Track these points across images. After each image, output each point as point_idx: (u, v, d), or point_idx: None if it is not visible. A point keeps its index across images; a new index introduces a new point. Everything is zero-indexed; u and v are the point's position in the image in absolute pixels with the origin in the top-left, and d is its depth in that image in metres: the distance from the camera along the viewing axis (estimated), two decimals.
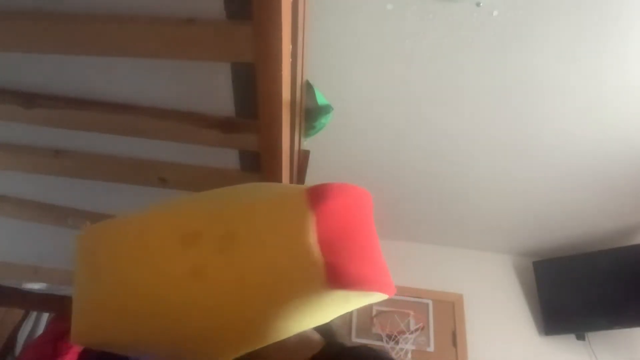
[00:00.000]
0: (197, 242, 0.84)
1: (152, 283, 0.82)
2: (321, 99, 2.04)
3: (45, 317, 2.96)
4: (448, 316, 3.74)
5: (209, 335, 0.83)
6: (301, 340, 0.85)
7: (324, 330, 0.88)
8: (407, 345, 3.42)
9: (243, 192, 0.96)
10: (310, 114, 2.01)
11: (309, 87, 2.02)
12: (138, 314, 0.82)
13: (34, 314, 2.98)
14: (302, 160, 2.11)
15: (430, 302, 3.79)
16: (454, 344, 3.60)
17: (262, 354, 0.83)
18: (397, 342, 3.40)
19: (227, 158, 1.29)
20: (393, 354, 3.35)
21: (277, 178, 1.02)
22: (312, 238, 0.82)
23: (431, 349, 3.57)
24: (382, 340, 3.45)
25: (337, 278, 0.77)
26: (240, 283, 0.81)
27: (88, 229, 0.94)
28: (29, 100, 1.13)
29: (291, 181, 1.57)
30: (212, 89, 1.08)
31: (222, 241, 0.84)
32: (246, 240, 0.84)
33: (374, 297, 0.88)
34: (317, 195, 0.86)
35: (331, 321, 0.87)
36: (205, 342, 0.83)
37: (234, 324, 0.82)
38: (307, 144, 2.14)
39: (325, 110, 2.03)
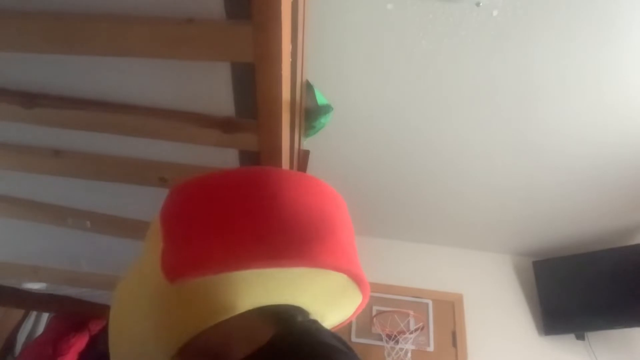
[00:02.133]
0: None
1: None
2: (321, 98, 2.04)
3: (45, 317, 2.97)
4: (448, 316, 3.74)
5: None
6: (247, 330, 0.81)
7: (276, 318, 0.82)
8: (407, 345, 3.42)
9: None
10: (310, 114, 2.01)
11: (309, 87, 2.02)
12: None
13: (33, 314, 2.98)
14: (302, 160, 2.11)
15: (430, 302, 3.79)
16: (454, 344, 3.61)
17: (207, 343, 0.82)
18: (397, 342, 3.40)
19: (227, 158, 1.29)
20: (393, 354, 3.36)
21: None
22: (158, 237, 0.82)
23: (431, 348, 3.57)
24: (381, 340, 3.45)
25: (169, 268, 0.75)
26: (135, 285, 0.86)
27: None
28: (29, 100, 1.13)
29: None
30: (211, 89, 1.07)
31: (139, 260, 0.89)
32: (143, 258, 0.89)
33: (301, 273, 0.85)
34: (169, 193, 0.89)
35: (284, 305, 0.85)
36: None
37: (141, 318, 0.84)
38: (307, 143, 2.14)
39: (325, 110, 2.03)
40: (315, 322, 0.86)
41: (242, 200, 0.84)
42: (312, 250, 0.81)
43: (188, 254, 0.77)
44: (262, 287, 0.82)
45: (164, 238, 0.80)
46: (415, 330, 3.52)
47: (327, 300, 0.94)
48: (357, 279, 0.90)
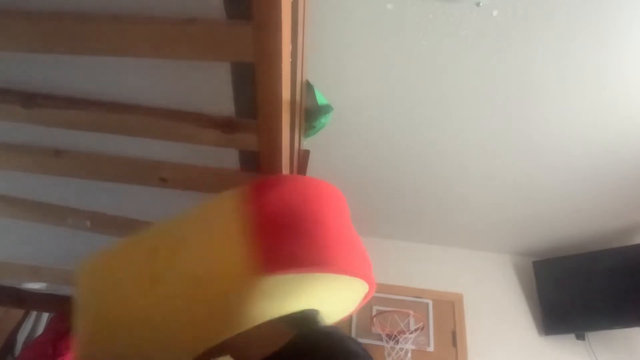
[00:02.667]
0: (156, 256, 0.95)
1: (128, 293, 0.95)
2: (321, 98, 2.04)
3: (45, 317, 2.97)
4: (448, 316, 3.74)
5: (172, 335, 0.93)
6: (270, 330, 0.88)
7: (296, 320, 0.91)
8: (407, 345, 3.42)
9: (178, 217, 1.05)
10: (310, 114, 2.01)
11: (308, 87, 2.02)
12: (121, 323, 0.94)
13: (33, 314, 2.98)
14: (302, 160, 2.11)
15: (430, 302, 3.79)
16: (454, 343, 3.61)
17: (230, 346, 0.90)
18: (397, 342, 3.40)
19: (227, 158, 1.29)
20: (393, 354, 3.36)
21: None
22: (243, 231, 0.89)
23: (431, 348, 3.57)
24: (382, 340, 3.45)
25: (265, 262, 0.83)
26: (185, 285, 0.90)
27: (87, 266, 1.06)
28: (29, 99, 1.13)
29: None
30: (212, 88, 1.08)
31: (172, 252, 0.95)
32: (187, 247, 0.95)
33: (347, 285, 0.98)
34: (252, 190, 0.96)
35: (308, 310, 0.91)
36: (171, 341, 0.93)
37: (189, 321, 0.90)
38: (307, 143, 2.14)
39: (325, 110, 2.03)
40: (335, 327, 0.94)
41: (313, 211, 0.97)
42: (355, 261, 0.96)
43: (289, 250, 0.86)
44: (291, 293, 0.90)
45: (257, 234, 0.87)
46: (416, 330, 3.53)
47: (334, 299, 1.00)
48: (369, 281, 1.01)
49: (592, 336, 3.54)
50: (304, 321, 0.91)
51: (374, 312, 3.61)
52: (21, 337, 2.86)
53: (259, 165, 1.22)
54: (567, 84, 2.34)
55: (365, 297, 1.09)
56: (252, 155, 1.22)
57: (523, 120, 2.61)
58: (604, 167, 2.90)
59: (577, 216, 3.47)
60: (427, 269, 3.99)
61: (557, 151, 2.81)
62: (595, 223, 3.54)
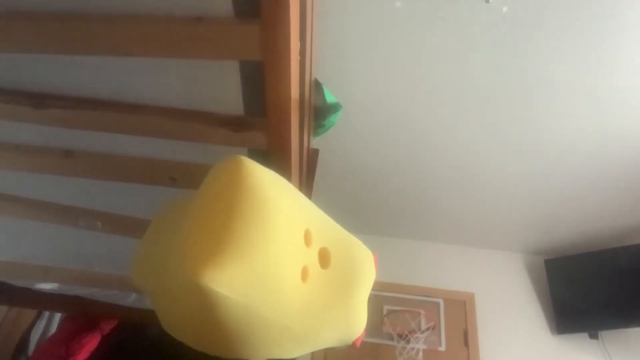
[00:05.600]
0: (310, 244, 0.85)
1: (277, 261, 0.77)
2: (330, 97, 2.03)
3: (57, 317, 2.99)
4: (459, 315, 3.72)
5: (279, 329, 0.81)
6: None
7: None
8: (419, 344, 3.40)
9: (322, 213, 0.99)
10: (319, 113, 2.00)
11: (317, 86, 2.01)
12: (261, 279, 0.74)
13: (46, 314, 3.00)
14: (311, 159, 2.10)
15: (441, 301, 3.78)
16: (466, 343, 3.59)
17: None
18: (408, 342, 3.38)
19: None
20: (404, 354, 3.34)
21: (286, 177, 1.02)
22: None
23: (442, 348, 3.56)
24: (393, 339, 3.44)
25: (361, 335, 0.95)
26: (322, 306, 0.83)
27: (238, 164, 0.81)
28: (39, 100, 1.13)
29: (300, 180, 1.57)
30: (221, 87, 1.07)
31: (321, 255, 0.87)
32: (337, 268, 0.88)
33: None
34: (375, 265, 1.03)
35: None
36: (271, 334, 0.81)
37: (298, 330, 0.82)
38: (316, 142, 2.14)
39: (334, 108, 2.02)
40: None
41: None
42: None
43: None
44: None
45: None
46: (427, 329, 3.51)
47: None
48: None
49: (606, 335, 3.50)
50: None
51: (385, 312, 3.60)
52: (34, 337, 2.88)
53: (268, 164, 1.21)
54: (579, 81, 2.31)
55: None
56: (262, 154, 1.22)
57: (533, 118, 2.59)
58: (615, 164, 2.87)
59: (589, 214, 3.44)
60: (438, 268, 3.97)
61: (569, 150, 2.79)
62: (608, 220, 3.50)
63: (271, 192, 0.79)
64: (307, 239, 0.84)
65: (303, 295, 0.80)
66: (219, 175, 0.82)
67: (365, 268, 0.96)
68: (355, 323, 0.91)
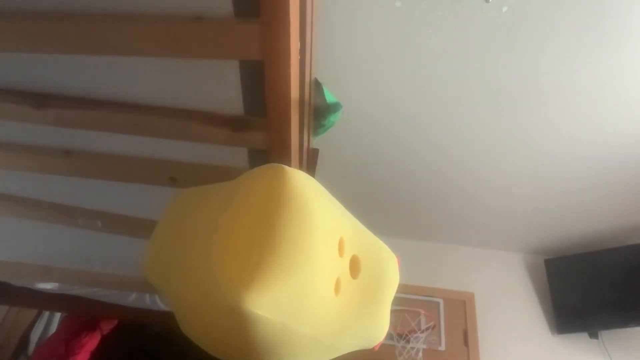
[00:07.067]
0: (343, 254, 0.81)
1: (315, 277, 0.73)
2: (330, 97, 2.03)
3: (57, 316, 2.99)
4: (459, 315, 3.72)
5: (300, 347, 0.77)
6: None
7: None
8: (418, 344, 3.41)
9: (352, 217, 0.95)
10: (319, 112, 2.00)
11: (317, 85, 2.01)
12: (300, 297, 0.71)
13: (46, 314, 3.00)
14: (311, 159, 2.10)
15: (441, 301, 3.78)
16: (466, 342, 3.59)
17: None
18: (408, 341, 3.38)
19: (236, 157, 1.29)
20: (404, 353, 3.34)
21: None
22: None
23: (442, 347, 3.56)
24: (392, 339, 3.43)
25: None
26: (352, 317, 0.81)
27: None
28: (39, 100, 1.13)
29: None
30: (220, 87, 1.07)
31: (352, 263, 0.83)
32: (366, 276, 0.85)
33: None
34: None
35: None
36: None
37: (326, 341, 0.79)
38: (316, 142, 2.14)
39: (334, 108, 2.02)
40: None
41: None
42: None
43: None
44: None
45: None
46: (427, 329, 3.50)
47: None
48: None
49: (606, 335, 3.50)
50: None
51: None
52: (34, 337, 2.88)
53: (269, 163, 1.21)
54: (579, 81, 2.31)
55: None
56: (261, 154, 1.22)
57: (532, 119, 2.59)
58: (615, 165, 2.87)
59: (589, 214, 3.44)
60: (438, 267, 3.97)
61: (569, 150, 2.79)
62: (608, 220, 3.50)
63: (314, 203, 0.75)
64: (341, 248, 0.80)
65: (335, 308, 0.77)
66: (258, 184, 0.77)
67: (391, 274, 0.94)
68: (378, 329, 0.89)
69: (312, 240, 0.71)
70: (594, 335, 3.52)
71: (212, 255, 0.69)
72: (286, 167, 0.78)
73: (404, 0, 2.04)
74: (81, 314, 2.46)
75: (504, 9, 2.02)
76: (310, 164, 2.06)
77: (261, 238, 0.68)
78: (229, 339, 0.76)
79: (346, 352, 0.87)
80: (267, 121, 1.07)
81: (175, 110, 1.15)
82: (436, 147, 2.92)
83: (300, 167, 1.52)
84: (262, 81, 0.95)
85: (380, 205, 3.62)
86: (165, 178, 1.39)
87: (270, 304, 0.65)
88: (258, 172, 0.80)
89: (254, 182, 0.78)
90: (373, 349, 0.93)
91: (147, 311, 2.22)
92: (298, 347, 0.76)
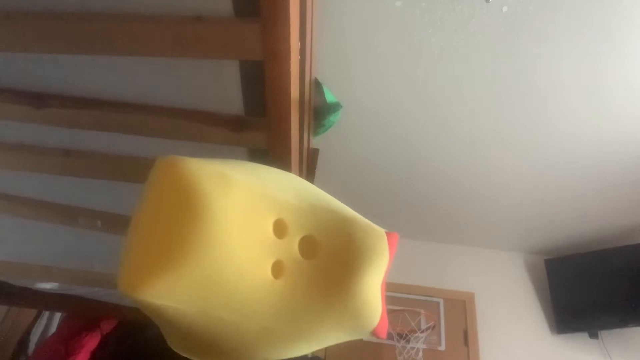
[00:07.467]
0: (284, 235, 0.78)
1: (230, 261, 0.71)
2: (330, 96, 2.04)
3: (57, 316, 2.99)
4: (459, 315, 3.72)
5: (254, 336, 0.76)
6: None
7: None
8: (419, 344, 3.40)
9: (316, 191, 0.92)
10: (319, 112, 2.00)
11: (317, 85, 2.01)
12: (210, 283, 0.70)
13: (46, 314, 3.00)
14: (311, 159, 2.10)
15: (441, 301, 3.77)
16: (466, 342, 3.58)
17: None
18: (408, 341, 3.38)
19: (236, 156, 1.29)
20: (404, 353, 3.34)
21: None
22: (383, 283, 0.87)
23: (442, 347, 3.56)
24: (393, 339, 3.43)
25: (381, 325, 0.85)
26: (308, 301, 0.77)
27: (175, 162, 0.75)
28: (39, 100, 1.13)
29: None
30: (220, 87, 1.07)
31: (304, 244, 0.80)
32: (329, 256, 0.80)
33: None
34: (391, 244, 0.93)
35: None
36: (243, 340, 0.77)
37: (281, 329, 0.77)
38: (316, 142, 2.14)
39: (334, 108, 2.02)
40: None
41: None
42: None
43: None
44: None
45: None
46: (427, 329, 3.50)
47: None
48: None
49: (606, 335, 3.50)
50: None
51: None
52: (34, 337, 2.88)
53: (269, 163, 1.21)
54: (580, 81, 2.31)
55: None
56: (261, 154, 1.22)
57: (533, 118, 2.59)
58: (615, 164, 2.87)
59: (589, 214, 3.43)
60: (437, 267, 3.97)
61: (569, 149, 2.78)
62: (607, 220, 3.50)
63: (212, 188, 0.72)
64: (280, 230, 0.78)
65: (277, 292, 0.74)
66: (151, 178, 0.77)
67: (370, 250, 0.86)
68: (364, 312, 0.82)
69: (212, 225, 0.69)
70: (594, 335, 3.52)
71: (124, 251, 0.71)
72: (176, 156, 0.75)
73: (404, 0, 2.04)
74: (81, 314, 2.46)
75: (504, 8, 2.02)
76: (310, 163, 2.06)
77: (151, 231, 0.70)
78: (180, 337, 0.80)
79: (333, 341, 0.83)
80: (267, 121, 1.07)
81: (175, 110, 1.15)
82: (435, 146, 2.91)
83: (301, 167, 1.52)
84: (262, 81, 0.96)
85: (379, 205, 3.61)
86: None
87: (169, 293, 0.67)
88: (154, 166, 0.78)
89: (150, 177, 0.78)
90: (377, 335, 0.87)
91: None
92: (244, 336, 0.75)
